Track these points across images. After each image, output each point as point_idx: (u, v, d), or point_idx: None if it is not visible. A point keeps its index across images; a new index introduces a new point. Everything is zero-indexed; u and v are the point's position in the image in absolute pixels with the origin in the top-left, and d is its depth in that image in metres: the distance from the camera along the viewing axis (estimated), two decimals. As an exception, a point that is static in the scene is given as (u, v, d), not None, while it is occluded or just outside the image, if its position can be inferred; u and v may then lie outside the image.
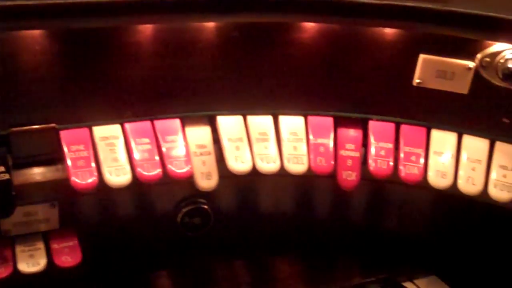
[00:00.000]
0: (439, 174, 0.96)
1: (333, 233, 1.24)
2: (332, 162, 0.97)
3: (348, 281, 1.17)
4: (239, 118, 0.97)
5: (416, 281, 1.21)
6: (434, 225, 1.30)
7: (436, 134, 0.98)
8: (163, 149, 0.91)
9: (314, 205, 1.26)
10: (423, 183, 0.97)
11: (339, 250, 1.23)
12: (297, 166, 0.95)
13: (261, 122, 0.97)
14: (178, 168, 0.91)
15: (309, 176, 0.99)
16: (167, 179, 0.91)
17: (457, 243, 1.26)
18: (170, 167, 0.90)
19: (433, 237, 1.28)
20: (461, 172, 0.96)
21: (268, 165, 0.95)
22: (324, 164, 0.96)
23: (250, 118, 0.97)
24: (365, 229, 1.28)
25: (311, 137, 0.97)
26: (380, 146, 0.98)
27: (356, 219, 1.28)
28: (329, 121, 0.99)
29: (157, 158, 0.90)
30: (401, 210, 1.30)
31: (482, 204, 0.98)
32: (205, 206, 1.07)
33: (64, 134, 0.90)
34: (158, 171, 0.89)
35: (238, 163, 0.93)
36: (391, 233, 1.29)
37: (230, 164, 0.93)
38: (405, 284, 1.20)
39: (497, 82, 0.91)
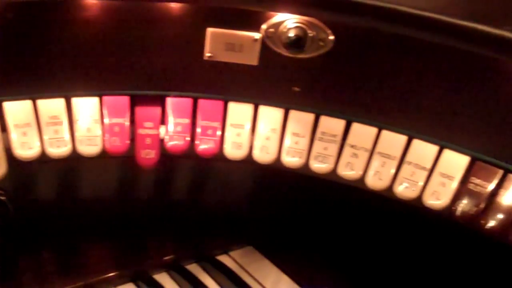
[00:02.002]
0: (235, 145, 0.97)
1: (150, 212, 1.23)
2: (128, 142, 0.96)
3: (162, 258, 1.17)
4: (28, 102, 0.92)
5: (231, 253, 1.24)
6: (251, 197, 1.33)
7: (233, 106, 1.00)
8: None
9: (132, 185, 1.25)
10: (220, 156, 0.98)
11: (155, 229, 1.23)
12: (91, 147, 0.93)
13: (52, 106, 0.93)
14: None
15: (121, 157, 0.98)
16: None
17: (272, 214, 1.30)
18: None
19: (250, 209, 1.31)
20: (256, 142, 0.98)
21: (59, 149, 0.92)
22: (118, 144, 0.95)
23: (40, 102, 0.93)
24: (182, 205, 1.29)
25: (105, 117, 0.95)
26: (177, 122, 0.98)
27: (175, 196, 1.29)
28: (124, 100, 0.97)
29: None
30: (218, 185, 1.32)
31: (292, 174, 1.01)
32: (2, 197, 1.02)
33: None
34: None
35: (25, 149, 0.90)
36: (208, 208, 1.31)
37: (16, 151, 0.90)
38: (220, 257, 1.22)
39: (283, 51, 0.94)
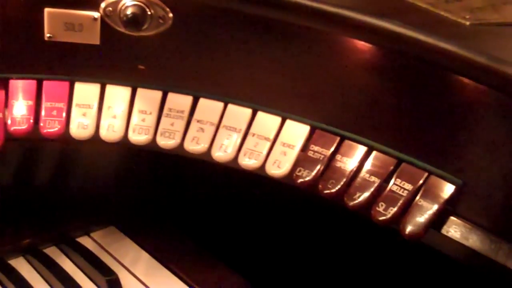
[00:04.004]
0: (80, 125, 0.97)
1: (6, 195, 1.20)
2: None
3: (18, 242, 1.15)
4: None
5: (92, 234, 1.23)
6: (113, 178, 1.32)
7: (79, 87, 0.99)
8: None
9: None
10: (65, 137, 0.98)
11: (11, 212, 1.20)
12: None
13: None
14: None
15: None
16: None
17: (135, 193, 1.30)
18: None
19: (111, 189, 1.31)
20: (102, 122, 0.98)
21: None
22: (-43, 129, 0.93)
23: None
24: (42, 187, 1.27)
25: None
26: (20, 105, 0.97)
27: (34, 178, 1.27)
28: (-36, 84, 0.95)
29: None
30: (79, 166, 1.30)
31: (153, 153, 1.02)
32: None
33: None
34: None
35: None
36: (69, 189, 1.29)
37: None
38: (80, 238, 1.21)
39: (123, 30, 0.94)
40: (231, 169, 0.99)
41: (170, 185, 1.32)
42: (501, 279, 0.84)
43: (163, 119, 0.99)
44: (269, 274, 1.19)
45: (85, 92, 0.99)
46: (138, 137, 0.98)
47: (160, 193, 1.31)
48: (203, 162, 1.00)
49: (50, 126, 0.96)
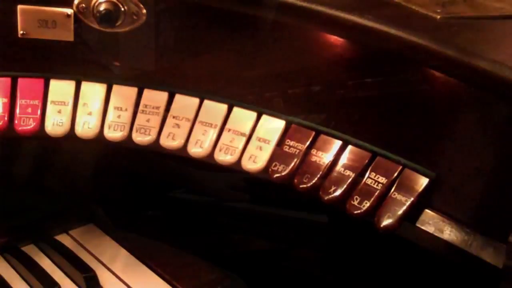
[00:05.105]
0: (56, 122, 0.97)
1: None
2: None
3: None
4: None
5: (71, 232, 1.23)
6: (92, 175, 1.32)
7: (54, 84, 0.99)
8: None
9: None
10: (41, 134, 0.97)
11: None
12: None
13: None
14: None
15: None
16: None
17: (114, 190, 1.30)
18: None
19: (91, 187, 1.30)
20: (78, 118, 0.98)
21: None
22: None
23: None
24: (20, 184, 1.26)
25: None
26: (-6, 102, 0.97)
27: (12, 175, 1.26)
28: None
29: None
30: (59, 163, 1.30)
31: (133, 151, 1.02)
32: None
33: None
34: None
35: None
36: (48, 186, 1.29)
37: None
38: (59, 236, 1.20)
39: (96, 26, 0.94)
40: (210, 165, 0.99)
41: (150, 182, 1.32)
42: (474, 270, 0.85)
43: (138, 115, 0.99)
44: (250, 269, 1.19)
45: (60, 89, 0.99)
46: (113, 133, 0.98)
47: (139, 190, 1.31)
48: (182, 158, 1.01)
49: (25, 124, 0.96)
